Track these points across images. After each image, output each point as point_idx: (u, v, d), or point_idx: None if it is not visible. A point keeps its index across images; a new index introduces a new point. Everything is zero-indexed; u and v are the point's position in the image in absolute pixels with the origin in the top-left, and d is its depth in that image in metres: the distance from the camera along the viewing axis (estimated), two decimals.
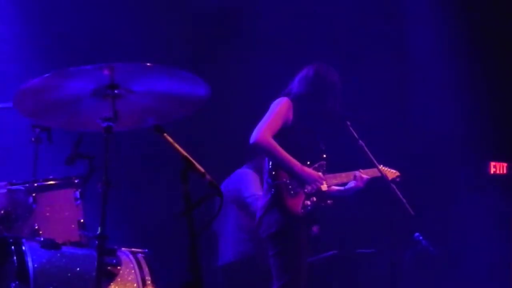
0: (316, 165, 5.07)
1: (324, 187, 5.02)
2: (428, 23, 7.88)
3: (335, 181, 5.14)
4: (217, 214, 3.43)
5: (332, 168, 5.17)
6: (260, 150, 4.99)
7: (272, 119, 4.94)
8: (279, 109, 4.99)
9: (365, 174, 5.17)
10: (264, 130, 4.89)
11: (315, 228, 5.67)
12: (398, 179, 5.39)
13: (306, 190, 4.94)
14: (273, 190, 4.92)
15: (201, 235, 3.31)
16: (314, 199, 4.96)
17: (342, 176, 5.17)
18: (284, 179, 4.92)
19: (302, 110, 5.04)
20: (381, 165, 5.32)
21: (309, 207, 4.93)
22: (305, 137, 5.07)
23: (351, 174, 5.18)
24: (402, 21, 7.87)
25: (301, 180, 4.93)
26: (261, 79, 7.15)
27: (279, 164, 4.92)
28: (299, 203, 4.92)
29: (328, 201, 5.05)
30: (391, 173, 5.40)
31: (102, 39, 6.98)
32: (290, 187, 4.91)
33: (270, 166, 4.95)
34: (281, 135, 4.97)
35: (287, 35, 7.59)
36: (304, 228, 4.96)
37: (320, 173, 5.02)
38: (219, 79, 5.97)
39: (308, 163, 5.02)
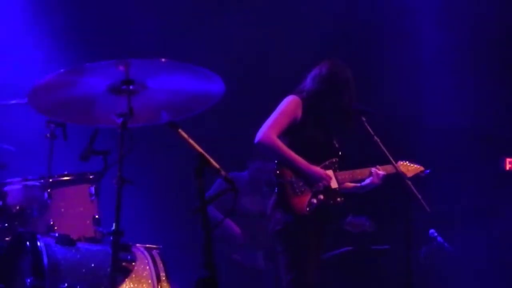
0: (327, 162, 5.03)
1: (333, 184, 4.99)
2: (443, 16, 7.83)
3: (349, 178, 5.11)
4: (232, 209, 3.43)
5: (349, 164, 5.13)
6: (264, 150, 4.96)
7: (277, 118, 4.94)
8: (286, 107, 4.98)
9: (382, 170, 5.13)
10: (268, 130, 4.89)
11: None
12: (422, 174, 5.36)
13: (313, 188, 4.92)
14: (276, 189, 4.91)
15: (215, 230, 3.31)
16: (321, 197, 4.93)
17: (357, 173, 5.14)
18: (289, 178, 4.90)
19: (316, 107, 5.03)
20: (405, 161, 5.30)
21: (314, 205, 4.89)
22: (318, 135, 5.05)
23: (366, 170, 5.15)
24: (416, 15, 7.82)
25: (306, 178, 4.91)
26: (276, 75, 7.14)
27: (284, 162, 4.91)
28: (305, 202, 4.89)
29: (338, 199, 5.00)
30: (415, 168, 5.36)
31: (117, 35, 7.00)
32: (295, 185, 4.89)
33: (275, 165, 4.94)
34: (290, 133, 4.95)
35: (300, 32, 7.57)
36: (313, 225, 4.92)
37: (329, 171, 4.99)
38: (234, 75, 5.97)
39: (318, 160, 4.99)
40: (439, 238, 6.29)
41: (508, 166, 7.25)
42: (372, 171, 5.12)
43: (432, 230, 6.30)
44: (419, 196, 4.98)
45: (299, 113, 4.99)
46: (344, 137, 5.19)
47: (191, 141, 3.39)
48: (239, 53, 7.45)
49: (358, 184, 5.17)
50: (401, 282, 5.14)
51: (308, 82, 5.10)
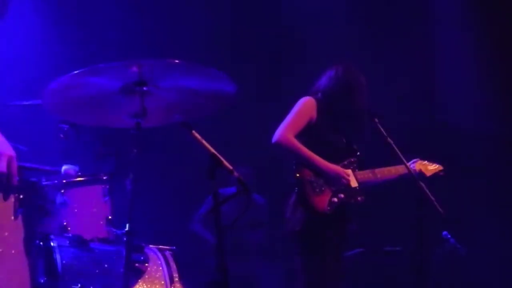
0: (346, 162, 5.04)
1: (353, 183, 4.99)
2: (457, 19, 7.82)
3: (368, 178, 5.10)
4: (245, 211, 3.42)
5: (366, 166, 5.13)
6: (282, 150, 4.96)
7: (293, 119, 4.95)
8: (301, 108, 4.99)
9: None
10: (285, 130, 4.90)
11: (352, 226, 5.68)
12: (441, 173, 5.34)
13: (334, 187, 4.92)
14: (296, 188, 4.92)
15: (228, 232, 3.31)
16: (342, 195, 4.94)
17: (376, 172, 5.14)
18: (308, 177, 4.90)
19: (331, 108, 5.04)
20: (424, 161, 5.29)
21: (335, 204, 4.90)
22: (334, 135, 5.06)
23: (385, 170, 5.15)
24: (430, 18, 7.82)
25: (326, 177, 4.92)
26: (289, 76, 7.15)
27: (303, 162, 4.91)
28: (325, 201, 4.89)
29: (359, 198, 5.01)
30: (434, 167, 5.35)
31: (130, 36, 7.02)
32: (314, 185, 4.89)
33: (294, 166, 4.95)
34: (307, 134, 4.96)
35: (316, 33, 7.57)
36: (333, 226, 4.92)
37: (348, 170, 5.00)
38: (247, 76, 5.98)
39: (336, 161, 4.99)
40: (452, 240, 6.26)
41: None
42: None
43: (445, 232, 6.27)
44: (432, 198, 4.96)
45: (314, 114, 5.00)
46: (359, 139, 5.19)
47: (204, 142, 3.40)
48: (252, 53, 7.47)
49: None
50: (414, 284, 5.13)
51: (323, 82, 5.12)
